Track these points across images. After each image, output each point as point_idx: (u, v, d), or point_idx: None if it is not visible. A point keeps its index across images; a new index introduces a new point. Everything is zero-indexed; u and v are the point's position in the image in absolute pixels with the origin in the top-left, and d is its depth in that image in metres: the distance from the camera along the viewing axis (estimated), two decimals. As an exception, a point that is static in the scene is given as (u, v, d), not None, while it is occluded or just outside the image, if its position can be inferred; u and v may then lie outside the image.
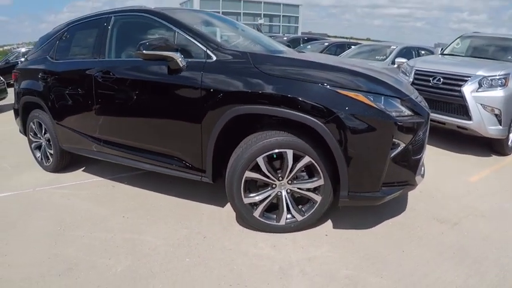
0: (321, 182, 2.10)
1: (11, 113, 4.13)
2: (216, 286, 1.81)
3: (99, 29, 2.82)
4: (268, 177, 2.13)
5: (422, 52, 7.01)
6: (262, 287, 1.80)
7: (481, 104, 3.66)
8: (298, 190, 2.17)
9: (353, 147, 1.94)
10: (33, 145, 3.53)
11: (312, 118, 1.93)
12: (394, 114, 1.96)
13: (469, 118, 3.72)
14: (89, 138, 2.91)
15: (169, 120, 2.39)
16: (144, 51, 2.15)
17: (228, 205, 2.42)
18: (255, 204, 2.20)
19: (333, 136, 1.93)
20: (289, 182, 2.15)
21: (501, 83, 3.65)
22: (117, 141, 2.75)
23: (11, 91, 6.16)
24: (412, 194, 2.72)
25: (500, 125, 3.68)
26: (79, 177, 3.32)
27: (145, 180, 3.13)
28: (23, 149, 3.95)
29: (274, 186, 2.16)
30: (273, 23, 16.67)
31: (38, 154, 3.49)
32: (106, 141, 2.81)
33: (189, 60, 2.25)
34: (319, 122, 1.92)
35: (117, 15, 2.78)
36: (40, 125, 3.36)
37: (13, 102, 3.86)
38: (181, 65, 2.21)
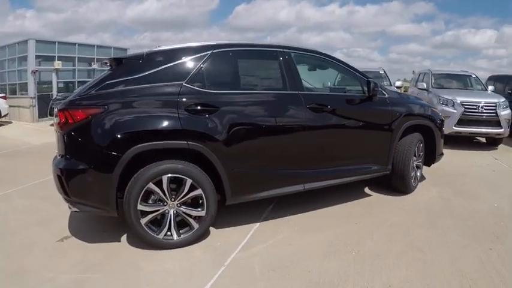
0: (423, 156, 3.86)
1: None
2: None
3: (281, 61, 2.91)
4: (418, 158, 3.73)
5: None
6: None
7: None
8: (418, 163, 3.81)
9: (440, 133, 3.90)
10: (146, 220, 2.45)
11: (431, 123, 3.76)
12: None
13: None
14: (288, 172, 2.87)
15: (373, 134, 3.32)
16: (379, 88, 3.22)
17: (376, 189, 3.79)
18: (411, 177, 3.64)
19: (437, 130, 3.81)
20: (416, 159, 3.73)
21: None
22: (322, 165, 3.05)
23: None
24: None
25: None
26: (223, 237, 2.70)
27: (293, 205, 3.27)
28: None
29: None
30: (104, 68, 15.81)
31: (164, 230, 2.48)
32: (313, 169, 2.97)
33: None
34: (433, 124, 3.78)
35: (296, 53, 3.05)
36: (176, 183, 2.49)
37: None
38: (378, 98, 3.29)
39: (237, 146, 2.64)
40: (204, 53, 2.71)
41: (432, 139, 3.84)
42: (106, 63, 2.94)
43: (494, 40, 78.34)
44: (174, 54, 2.70)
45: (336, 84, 6.26)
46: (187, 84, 2.59)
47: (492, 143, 6.48)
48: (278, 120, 2.83)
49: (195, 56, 2.69)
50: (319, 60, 3.37)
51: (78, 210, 2.53)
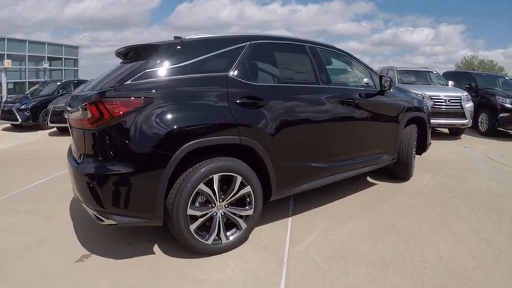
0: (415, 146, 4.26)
1: None
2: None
3: (311, 56, 2.98)
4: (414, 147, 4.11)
5: None
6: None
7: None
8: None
9: (429, 124, 4.29)
10: (195, 225, 2.27)
11: (424, 115, 4.13)
12: None
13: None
14: (324, 164, 2.95)
15: (385, 125, 3.62)
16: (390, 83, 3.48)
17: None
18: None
19: (428, 121, 4.20)
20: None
21: None
22: (348, 157, 3.19)
23: None
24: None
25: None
26: (265, 235, 2.65)
27: (311, 199, 3.37)
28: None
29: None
30: (53, 67, 14.38)
31: (213, 235, 2.34)
32: (342, 160, 3.11)
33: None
34: (424, 114, 4.15)
35: (321, 48, 3.15)
36: (226, 181, 2.36)
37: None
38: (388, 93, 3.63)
39: (283, 140, 2.61)
40: (243, 44, 2.62)
41: (424, 130, 4.26)
42: (120, 53, 2.70)
43: (431, 38, 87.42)
44: (213, 43, 2.59)
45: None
46: (232, 75, 2.48)
47: (455, 133, 7.34)
48: (318, 114, 2.92)
49: (235, 47, 2.58)
50: (337, 55, 3.53)
51: (114, 223, 2.18)
